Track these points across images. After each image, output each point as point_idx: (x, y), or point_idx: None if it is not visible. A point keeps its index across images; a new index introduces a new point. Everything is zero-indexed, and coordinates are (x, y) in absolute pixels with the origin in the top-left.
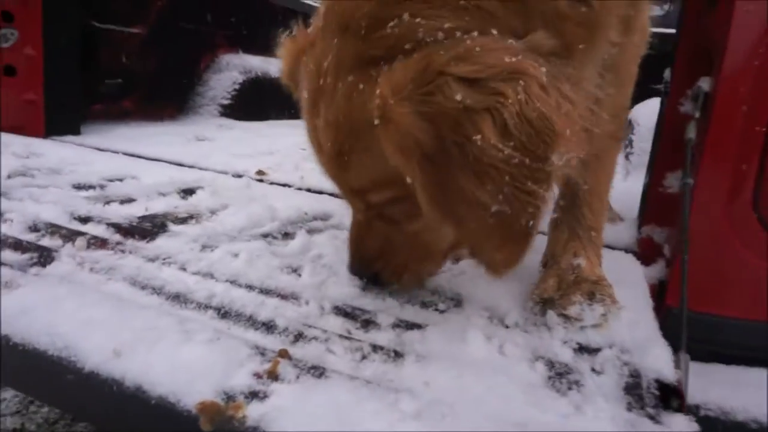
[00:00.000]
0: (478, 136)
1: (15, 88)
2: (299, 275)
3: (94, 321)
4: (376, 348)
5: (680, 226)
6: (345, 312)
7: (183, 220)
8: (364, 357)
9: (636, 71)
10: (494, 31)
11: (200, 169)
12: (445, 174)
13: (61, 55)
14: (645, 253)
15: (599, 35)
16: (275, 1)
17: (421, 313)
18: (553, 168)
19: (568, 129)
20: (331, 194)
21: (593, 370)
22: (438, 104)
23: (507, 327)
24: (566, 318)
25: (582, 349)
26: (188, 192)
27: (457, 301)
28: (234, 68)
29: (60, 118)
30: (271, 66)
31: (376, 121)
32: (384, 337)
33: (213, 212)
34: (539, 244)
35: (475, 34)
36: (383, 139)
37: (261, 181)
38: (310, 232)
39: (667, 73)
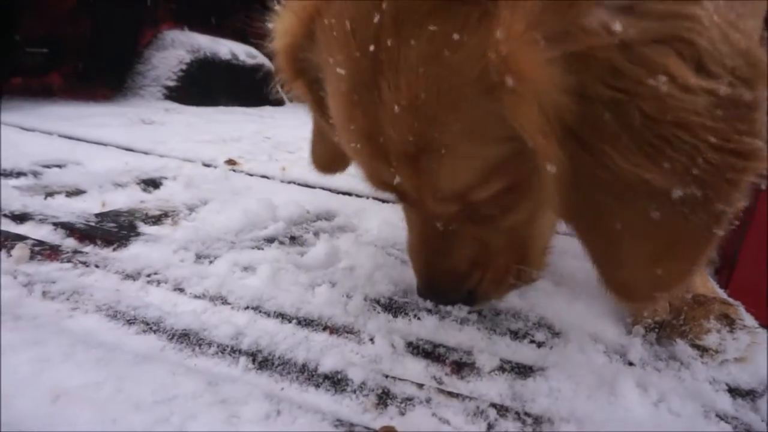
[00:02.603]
0: (663, 79)
1: None
2: (339, 296)
3: (71, 390)
4: (499, 409)
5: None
6: (424, 350)
7: (157, 219)
8: (490, 426)
9: None
10: None
11: (159, 155)
12: (590, 153)
13: None
14: None
15: None
16: None
17: (521, 349)
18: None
19: None
20: (324, 188)
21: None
22: (581, 44)
23: (632, 365)
24: (703, 350)
25: (733, 392)
26: (152, 183)
27: (549, 327)
28: (180, 46)
29: None
30: (221, 47)
31: (484, 78)
32: (494, 388)
33: (192, 209)
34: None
35: None
36: (511, 110)
37: (233, 171)
38: (330, 235)
39: None
